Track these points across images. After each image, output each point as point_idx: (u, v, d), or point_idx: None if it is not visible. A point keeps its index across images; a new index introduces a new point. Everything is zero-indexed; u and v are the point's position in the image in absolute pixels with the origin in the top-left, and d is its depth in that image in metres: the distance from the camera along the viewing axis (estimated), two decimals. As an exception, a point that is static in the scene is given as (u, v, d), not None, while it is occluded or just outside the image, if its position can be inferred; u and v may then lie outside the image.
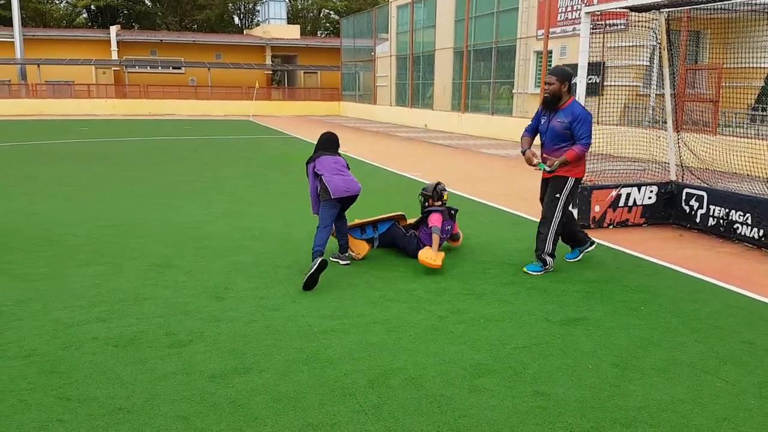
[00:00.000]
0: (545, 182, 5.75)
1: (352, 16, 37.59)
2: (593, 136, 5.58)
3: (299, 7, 57.59)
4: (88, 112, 33.09)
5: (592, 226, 7.58)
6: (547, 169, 5.52)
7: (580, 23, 8.20)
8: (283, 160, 14.46)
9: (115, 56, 39.65)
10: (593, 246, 6.20)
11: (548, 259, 5.65)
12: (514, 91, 21.90)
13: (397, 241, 6.27)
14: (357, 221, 6.28)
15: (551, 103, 5.51)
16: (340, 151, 6.16)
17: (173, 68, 41.46)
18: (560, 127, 5.44)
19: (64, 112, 32.68)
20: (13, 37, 36.11)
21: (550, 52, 19.71)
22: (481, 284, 5.35)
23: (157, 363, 3.75)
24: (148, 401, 3.29)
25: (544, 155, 5.67)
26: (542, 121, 5.65)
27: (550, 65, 20.00)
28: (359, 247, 6.12)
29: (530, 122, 5.85)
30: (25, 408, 3.20)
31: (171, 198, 9.28)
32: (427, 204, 6.24)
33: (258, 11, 53.97)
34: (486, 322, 4.47)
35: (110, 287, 5.15)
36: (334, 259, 5.92)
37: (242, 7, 57.91)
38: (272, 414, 3.17)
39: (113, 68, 39.91)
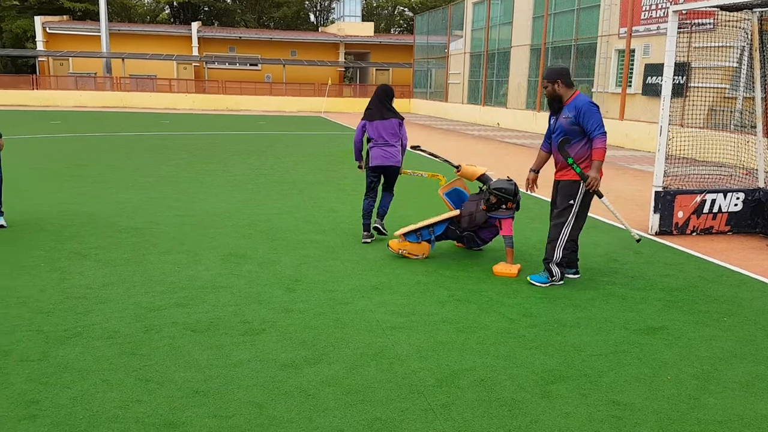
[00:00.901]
0: (556, 185, 5.35)
1: (427, 13, 37.52)
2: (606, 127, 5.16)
3: (374, 4, 58.01)
4: (169, 105, 34.42)
5: (674, 232, 7.27)
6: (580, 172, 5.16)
7: (664, 22, 7.88)
8: (353, 156, 14.56)
9: (195, 52, 41.09)
10: (576, 276, 5.55)
11: (555, 269, 5.26)
12: (593, 90, 21.29)
13: (453, 237, 6.17)
14: (411, 226, 6.05)
15: (554, 104, 5.26)
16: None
17: (250, 65, 42.63)
18: (567, 123, 5.11)
19: (146, 105, 34.11)
20: (99, 32, 37.94)
21: (633, 50, 19.04)
22: (554, 288, 5.22)
23: (231, 349, 3.85)
24: (223, 386, 3.38)
25: (555, 157, 5.35)
26: (551, 123, 5.37)
27: (633, 64, 19.33)
28: (421, 249, 6.01)
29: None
30: (108, 387, 3.35)
31: (245, 191, 9.53)
32: (495, 204, 5.78)
33: (333, 9, 54.72)
34: (560, 327, 4.36)
35: (188, 275, 5.33)
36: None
37: (318, 4, 58.87)
38: (341, 406, 3.20)
39: (194, 64, 41.36)
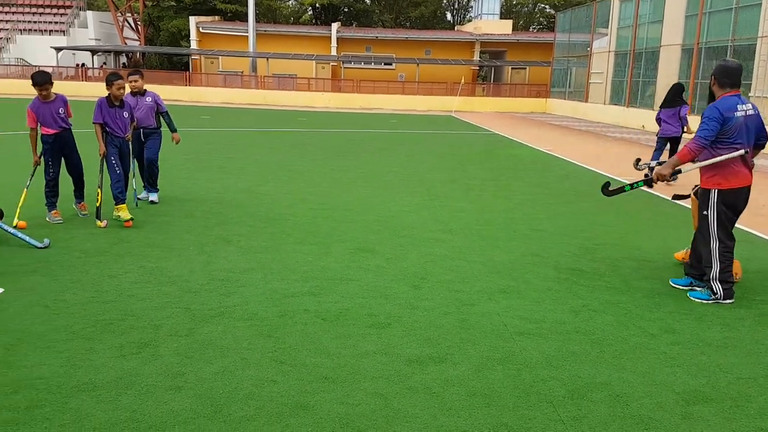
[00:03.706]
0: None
1: (570, 11, 36.22)
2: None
3: (513, 2, 56.98)
4: (306, 103, 35.91)
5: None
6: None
7: None
8: (483, 156, 14.42)
9: (333, 52, 42.56)
10: (684, 287, 5.14)
11: (716, 285, 4.82)
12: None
13: None
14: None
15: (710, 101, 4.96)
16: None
17: (385, 64, 43.45)
18: None
19: (285, 102, 35.78)
20: (247, 32, 40.31)
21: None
22: (701, 304, 4.83)
23: (358, 340, 3.94)
24: (350, 375, 3.47)
25: None
26: None
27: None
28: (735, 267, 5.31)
29: None
30: (245, 365, 3.55)
31: (374, 187, 9.71)
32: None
33: (471, 7, 54.39)
34: (705, 347, 4.02)
35: (320, 265, 5.53)
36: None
37: (456, 3, 58.79)
38: (466, 407, 3.16)
39: (331, 63, 42.87)
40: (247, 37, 40.43)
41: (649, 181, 5.25)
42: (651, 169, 10.13)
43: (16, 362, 3.50)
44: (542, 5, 56.62)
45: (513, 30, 45.88)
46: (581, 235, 6.93)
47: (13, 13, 44.41)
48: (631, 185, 5.53)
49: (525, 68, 43.00)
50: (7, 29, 42.47)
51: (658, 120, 11.12)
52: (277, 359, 3.64)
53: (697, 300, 4.89)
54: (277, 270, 5.35)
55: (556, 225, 7.45)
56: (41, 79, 6.47)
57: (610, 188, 5.64)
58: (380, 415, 3.06)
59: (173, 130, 8.17)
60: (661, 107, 11.18)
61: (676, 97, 10.96)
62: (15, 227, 6.19)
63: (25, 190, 6.78)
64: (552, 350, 3.90)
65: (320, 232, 6.76)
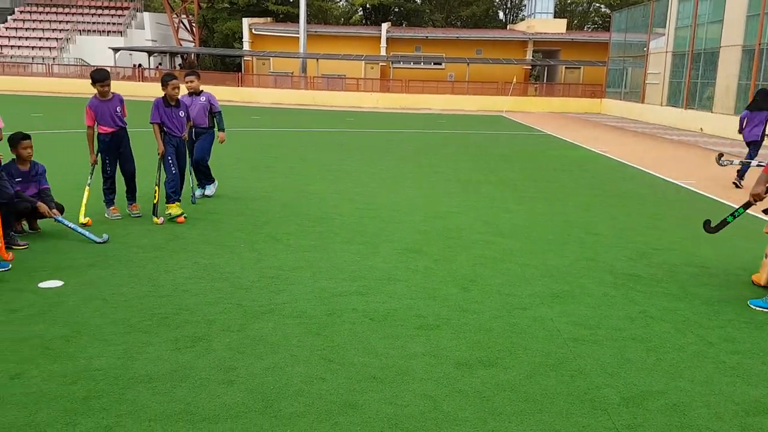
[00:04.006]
0: None
1: (626, 10, 35.36)
2: None
3: (568, 1, 56.00)
4: (354, 104, 36.09)
5: None
6: None
7: None
8: (534, 157, 14.19)
9: (383, 52, 42.65)
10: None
11: None
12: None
13: None
14: None
15: None
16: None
17: (434, 64, 43.28)
18: None
19: (334, 103, 36.05)
20: (298, 33, 40.80)
21: None
22: (761, 313, 4.63)
23: (407, 341, 3.92)
24: (398, 375, 3.45)
25: None
26: None
27: None
28: None
29: None
30: (295, 362, 3.58)
31: (422, 188, 9.67)
32: None
33: (524, 6, 53.69)
34: (765, 356, 3.86)
35: (368, 265, 5.53)
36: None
37: (508, 2, 58.13)
38: (517, 412, 3.10)
39: (380, 63, 42.97)
40: (297, 38, 40.89)
41: (747, 205, 5.13)
42: (743, 166, 10.20)
43: (76, 353, 3.61)
44: (597, 4, 55.48)
45: (567, 29, 45.06)
46: (638, 240, 6.74)
47: (73, 14, 46.15)
48: (733, 215, 5.38)
49: (579, 68, 42.19)
50: (67, 30, 44.15)
51: (742, 120, 10.78)
52: (325, 357, 3.65)
53: (757, 308, 4.70)
54: (325, 269, 5.38)
55: (612, 228, 7.27)
56: (101, 76, 6.64)
57: (712, 225, 5.52)
58: (429, 418, 3.03)
59: (221, 129, 8.33)
60: (748, 108, 10.83)
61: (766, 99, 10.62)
62: (83, 225, 6.40)
63: (87, 187, 6.99)
64: (607, 357, 3.79)
65: (367, 231, 6.77)
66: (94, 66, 38.52)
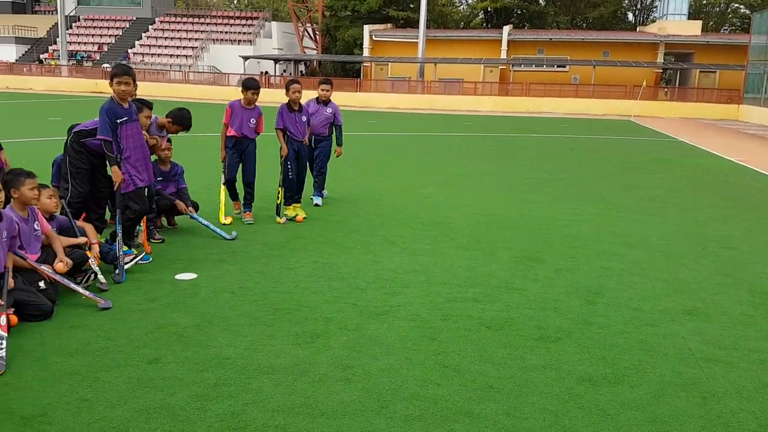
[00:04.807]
0: None
1: (767, 11, 32.54)
2: None
3: (703, 2, 52.48)
4: (471, 108, 35.77)
5: None
6: None
7: None
8: (665, 165, 13.37)
9: (504, 55, 41.99)
10: None
11: None
12: None
13: None
14: None
15: None
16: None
17: (558, 66, 42.01)
18: None
19: (450, 107, 35.90)
20: (417, 38, 41.08)
21: None
22: None
23: (526, 352, 3.81)
24: (517, 387, 3.36)
25: None
26: None
27: None
28: None
29: None
30: (410, 365, 3.59)
31: (541, 193, 9.39)
32: None
33: (656, 7, 50.94)
34: None
35: (484, 272, 5.44)
36: None
37: (639, 3, 55.37)
38: (644, 435, 2.92)
39: (500, 67, 42.33)
40: (416, 43, 41.22)
41: None
42: None
43: (207, 342, 3.84)
44: (736, 5, 51.51)
45: (702, 31, 42.17)
46: (781, 256, 6.17)
47: (208, 23, 49.32)
48: None
49: (715, 72, 39.31)
50: (202, 39, 47.24)
51: None
52: (440, 362, 3.63)
53: None
54: (439, 273, 5.36)
55: (751, 243, 6.70)
56: (253, 85, 6.93)
57: None
58: (549, 432, 2.92)
59: (339, 143, 8.35)
60: None
61: None
62: (223, 225, 6.76)
63: (223, 186, 7.31)
64: (743, 380, 3.49)
65: (483, 237, 6.67)
66: (225, 74, 41.02)
